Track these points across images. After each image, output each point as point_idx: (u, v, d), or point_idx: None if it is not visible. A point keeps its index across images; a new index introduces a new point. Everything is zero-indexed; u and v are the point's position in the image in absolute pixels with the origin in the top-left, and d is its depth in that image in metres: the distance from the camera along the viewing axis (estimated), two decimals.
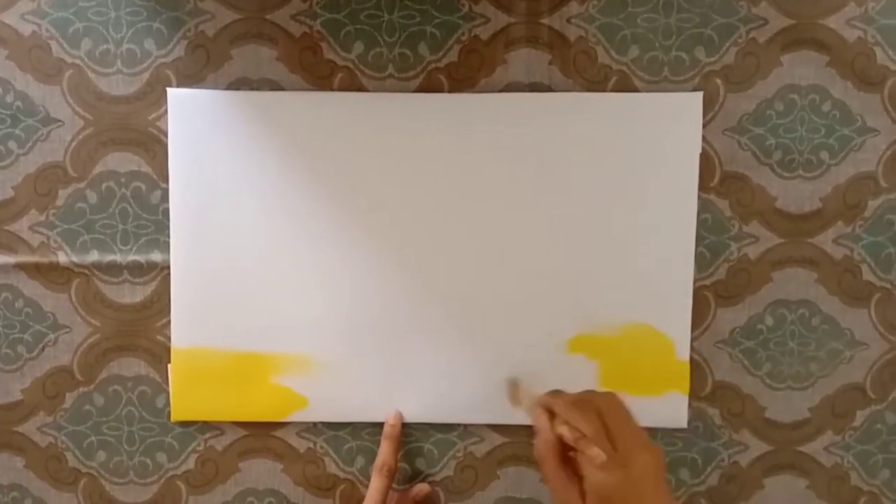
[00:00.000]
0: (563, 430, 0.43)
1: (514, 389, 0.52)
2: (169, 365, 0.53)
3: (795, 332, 0.53)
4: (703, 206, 0.52)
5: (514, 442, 0.54)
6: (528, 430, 0.53)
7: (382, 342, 0.53)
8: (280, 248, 0.52)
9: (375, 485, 0.50)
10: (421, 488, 0.53)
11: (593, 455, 0.41)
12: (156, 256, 0.53)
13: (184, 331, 0.53)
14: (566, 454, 0.43)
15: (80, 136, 0.53)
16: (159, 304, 0.53)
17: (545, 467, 0.43)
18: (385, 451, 0.51)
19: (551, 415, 0.45)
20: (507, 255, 0.52)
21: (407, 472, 0.54)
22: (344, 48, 0.52)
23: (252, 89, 0.52)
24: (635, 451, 0.41)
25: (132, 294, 0.53)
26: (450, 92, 0.52)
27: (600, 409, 0.43)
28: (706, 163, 0.52)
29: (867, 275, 0.53)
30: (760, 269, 0.53)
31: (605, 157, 0.52)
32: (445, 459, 0.54)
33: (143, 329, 0.54)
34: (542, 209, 0.52)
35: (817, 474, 0.54)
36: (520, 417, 0.53)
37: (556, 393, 0.47)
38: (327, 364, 0.53)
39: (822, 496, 0.54)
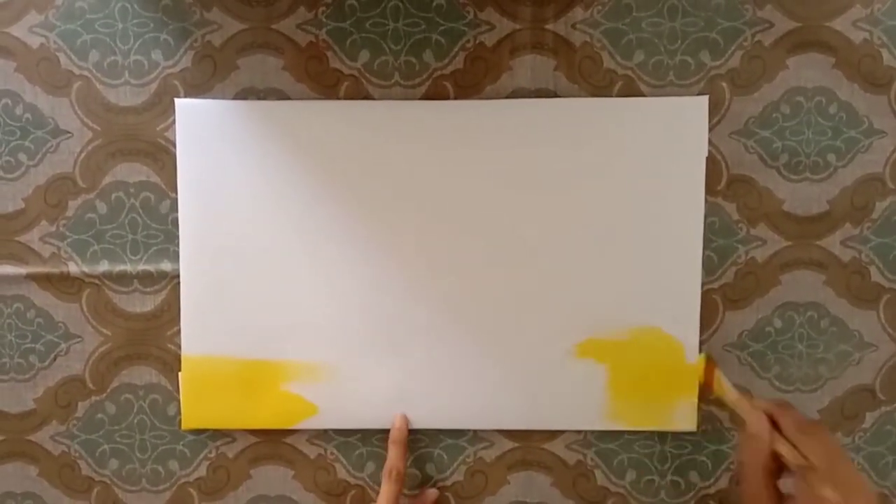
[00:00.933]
0: (787, 453, 0.43)
1: (709, 367, 0.50)
2: (180, 373, 0.54)
3: (804, 335, 0.53)
4: (711, 210, 0.52)
5: (524, 447, 0.54)
6: (537, 435, 0.54)
7: (392, 349, 0.53)
8: (289, 255, 0.53)
9: (386, 490, 0.50)
10: (430, 494, 0.54)
11: (827, 496, 0.41)
12: (165, 266, 0.53)
13: (194, 339, 0.53)
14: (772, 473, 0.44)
15: (90, 148, 0.53)
16: (169, 312, 0.54)
17: (752, 477, 0.44)
18: (393, 455, 0.52)
19: (774, 426, 0.45)
20: (515, 260, 0.52)
21: (417, 477, 0.55)
22: (350, 57, 0.52)
23: (259, 98, 0.52)
24: (856, 498, 0.42)
25: (143, 303, 0.54)
26: (455, 99, 0.52)
27: (826, 444, 0.44)
28: (713, 166, 0.52)
29: (875, 276, 0.53)
30: (768, 271, 0.53)
31: (611, 162, 0.52)
32: (455, 464, 0.54)
33: (153, 338, 0.54)
34: (549, 215, 0.52)
35: None
36: (529, 422, 0.53)
37: (782, 404, 0.47)
38: (337, 371, 0.53)
39: None
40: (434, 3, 0.52)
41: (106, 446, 0.55)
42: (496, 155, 0.52)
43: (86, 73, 0.53)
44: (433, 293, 0.53)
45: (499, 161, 0.52)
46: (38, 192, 0.53)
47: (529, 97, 0.52)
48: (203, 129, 0.52)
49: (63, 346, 0.54)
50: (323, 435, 0.54)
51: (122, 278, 0.54)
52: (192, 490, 0.55)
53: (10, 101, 0.53)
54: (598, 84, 0.52)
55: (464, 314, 0.53)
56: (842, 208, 0.52)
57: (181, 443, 0.55)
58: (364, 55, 0.52)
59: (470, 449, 0.54)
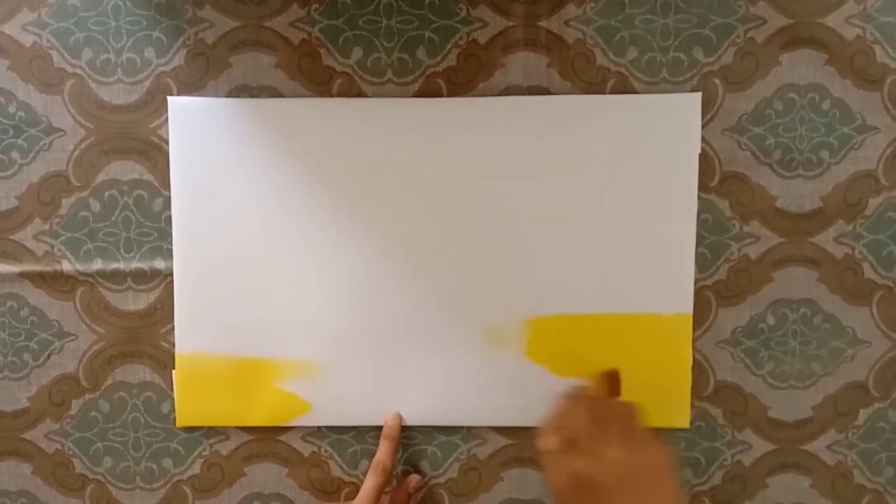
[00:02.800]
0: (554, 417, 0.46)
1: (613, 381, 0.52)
2: (173, 371, 0.54)
3: (797, 331, 0.53)
4: (704, 207, 0.52)
5: (517, 444, 0.54)
6: (531, 432, 0.54)
7: (385, 346, 0.53)
8: (282, 253, 0.53)
9: (369, 482, 0.51)
10: (412, 479, 0.54)
11: (542, 441, 0.45)
12: (159, 264, 0.53)
13: (188, 337, 0.53)
14: None
15: (83, 146, 0.53)
16: (163, 310, 0.54)
17: (540, 442, 0.46)
18: (383, 449, 0.52)
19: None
20: (507, 257, 0.52)
21: (411, 474, 0.55)
22: (343, 54, 0.52)
23: (252, 96, 0.52)
24: (612, 444, 0.43)
25: (136, 301, 0.54)
26: (448, 96, 0.52)
27: (597, 406, 0.46)
28: (706, 163, 0.52)
29: (868, 273, 0.53)
30: (761, 268, 0.53)
31: (604, 159, 0.52)
32: (449, 462, 0.54)
33: (147, 336, 0.54)
34: (542, 212, 0.52)
35: (821, 473, 0.54)
36: (522, 419, 0.53)
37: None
38: (331, 368, 0.53)
39: (825, 495, 0.54)
40: (427, 1, 0.52)
41: (100, 444, 0.55)
42: (489, 152, 0.52)
43: (78, 71, 0.53)
44: (427, 291, 0.53)
45: (492, 158, 0.52)
46: (31, 191, 0.53)
47: (522, 94, 0.52)
48: (196, 126, 0.52)
49: (57, 344, 0.54)
50: (316, 432, 0.54)
51: (115, 276, 0.54)
52: (186, 488, 0.55)
53: (3, 100, 0.53)
54: (591, 81, 0.52)
55: (457, 311, 0.53)
56: (835, 205, 0.52)
57: (175, 441, 0.55)
58: (357, 52, 0.52)
59: (463, 446, 0.54)
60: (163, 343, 0.54)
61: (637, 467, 0.43)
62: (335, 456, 0.55)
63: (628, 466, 0.43)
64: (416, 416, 0.54)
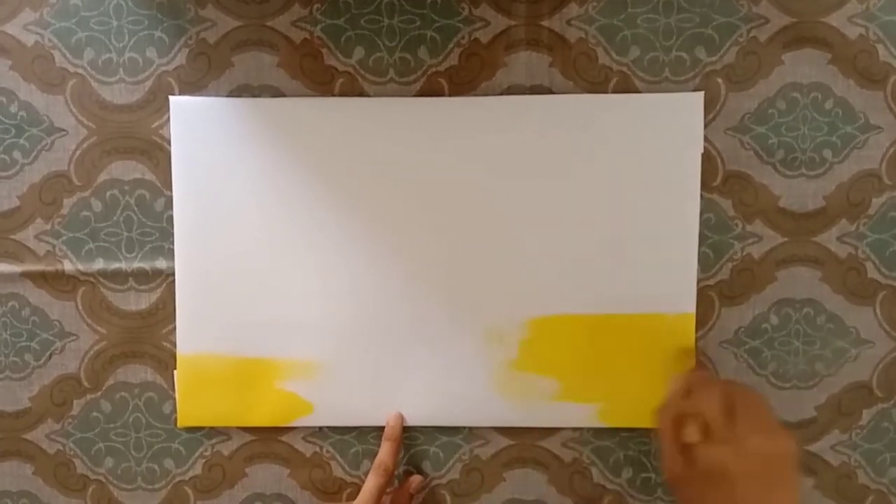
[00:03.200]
0: (680, 404, 0.45)
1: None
2: (175, 371, 0.54)
3: (800, 331, 0.53)
4: (706, 206, 0.52)
5: (519, 444, 0.54)
6: (533, 433, 0.54)
7: (387, 346, 0.53)
8: (284, 253, 0.53)
9: (370, 482, 0.51)
10: (413, 479, 0.53)
11: (687, 432, 0.43)
12: (160, 264, 0.53)
13: (189, 337, 0.53)
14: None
15: (84, 145, 0.53)
16: (164, 310, 0.54)
17: (661, 431, 0.45)
18: (384, 451, 0.52)
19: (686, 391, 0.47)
20: (509, 257, 0.52)
21: (413, 475, 0.54)
22: (344, 53, 0.52)
23: (253, 96, 0.52)
24: (751, 434, 0.42)
25: (137, 301, 0.54)
26: (450, 96, 0.52)
27: (728, 393, 0.45)
28: (708, 163, 0.52)
29: (872, 273, 0.53)
30: (764, 268, 0.53)
31: (606, 159, 0.52)
32: (451, 462, 0.54)
33: (148, 336, 0.54)
34: (544, 212, 0.52)
35: (824, 473, 0.54)
36: (524, 419, 0.53)
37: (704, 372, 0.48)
38: (332, 369, 0.53)
39: (829, 495, 0.54)
40: (429, 0, 0.52)
41: (101, 445, 0.55)
42: (491, 152, 0.52)
43: (80, 70, 0.52)
44: (429, 290, 0.53)
45: (494, 158, 0.52)
46: (33, 190, 0.53)
47: (524, 94, 0.52)
48: (198, 126, 0.52)
49: (58, 344, 0.54)
50: (318, 433, 0.54)
51: (117, 276, 0.54)
52: (187, 488, 0.55)
53: (4, 99, 0.53)
54: (593, 80, 0.52)
55: (459, 311, 0.53)
56: (838, 204, 0.52)
57: (176, 441, 0.55)
58: (359, 52, 0.52)
59: (465, 446, 0.54)
60: (164, 343, 0.54)
61: (771, 458, 0.42)
62: (337, 456, 0.54)
63: (764, 457, 0.42)
64: (417, 416, 0.53)
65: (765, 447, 0.42)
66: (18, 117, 0.53)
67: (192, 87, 0.52)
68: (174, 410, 0.54)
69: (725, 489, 0.41)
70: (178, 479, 0.55)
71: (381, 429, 0.53)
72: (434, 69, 0.52)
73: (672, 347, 0.52)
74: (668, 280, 0.52)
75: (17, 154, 0.53)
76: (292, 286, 0.53)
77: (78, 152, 0.53)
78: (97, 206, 0.53)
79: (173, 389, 0.54)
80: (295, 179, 0.52)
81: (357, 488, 0.54)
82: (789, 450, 0.43)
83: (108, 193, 0.53)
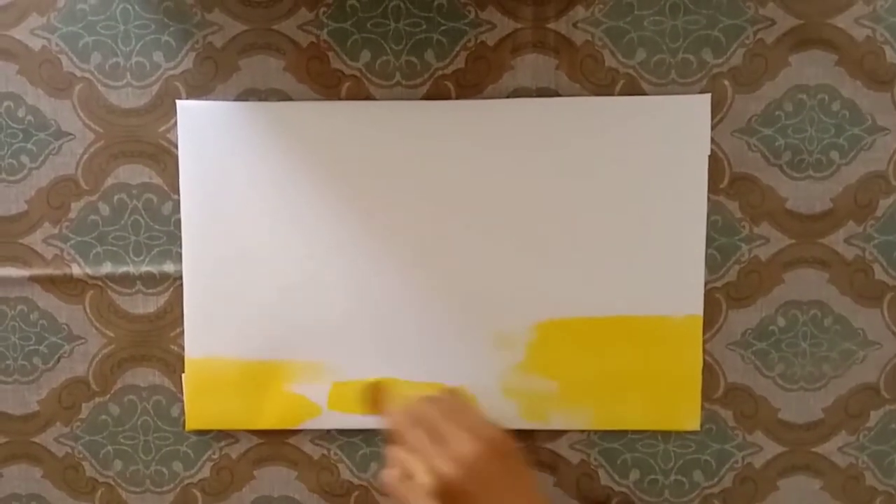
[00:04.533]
0: (391, 453, 0.44)
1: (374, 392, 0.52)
2: (183, 374, 0.54)
3: (808, 333, 0.53)
4: (713, 208, 0.52)
5: (527, 446, 0.54)
6: (540, 435, 0.54)
7: (395, 349, 0.53)
8: (291, 256, 0.53)
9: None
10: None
11: (419, 481, 0.41)
12: (168, 267, 0.54)
13: (197, 340, 0.53)
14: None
15: (92, 149, 0.53)
16: (172, 314, 0.54)
17: (394, 491, 0.43)
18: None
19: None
20: (516, 260, 0.52)
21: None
22: (351, 57, 0.52)
23: (260, 99, 0.52)
24: (464, 442, 0.41)
25: (145, 305, 0.54)
26: (457, 98, 0.52)
27: (424, 415, 0.44)
28: (715, 165, 0.52)
29: (879, 274, 0.53)
30: (772, 270, 0.53)
31: (613, 161, 0.52)
32: None
33: (156, 339, 0.54)
34: (551, 214, 0.52)
35: (832, 475, 0.54)
36: (531, 422, 0.53)
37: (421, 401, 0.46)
38: (340, 371, 0.53)
39: (837, 497, 0.54)
40: (435, 3, 0.52)
41: (110, 448, 0.55)
42: (498, 154, 0.52)
43: (87, 75, 0.53)
44: (437, 293, 0.53)
45: (501, 161, 0.52)
46: (40, 195, 0.54)
47: (531, 96, 0.52)
48: (205, 130, 0.52)
49: (66, 347, 0.54)
50: (326, 435, 0.54)
51: (125, 280, 0.54)
52: (195, 491, 0.55)
53: (12, 104, 0.53)
54: (599, 83, 0.52)
55: (467, 314, 0.53)
56: (845, 206, 0.52)
57: (185, 444, 0.55)
58: (365, 55, 0.52)
59: None
60: (172, 346, 0.54)
61: (494, 458, 0.41)
62: (345, 459, 0.55)
63: (486, 460, 0.41)
64: None
65: (487, 451, 0.41)
66: (26, 122, 0.53)
67: (199, 91, 0.53)
68: (182, 413, 0.54)
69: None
70: (186, 481, 0.55)
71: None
72: (441, 72, 0.52)
73: (679, 349, 0.52)
74: (675, 282, 0.52)
75: (24, 158, 0.53)
76: (299, 289, 0.53)
77: (85, 156, 0.53)
78: (105, 210, 0.54)
79: (181, 392, 0.54)
80: (302, 183, 0.52)
81: (365, 491, 0.54)
82: (507, 444, 0.42)
83: (115, 197, 0.53)
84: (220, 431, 0.55)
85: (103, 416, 0.55)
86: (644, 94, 0.52)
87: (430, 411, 0.44)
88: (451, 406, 0.45)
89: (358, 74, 0.52)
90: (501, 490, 0.41)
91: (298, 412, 0.54)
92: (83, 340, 0.54)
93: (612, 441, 0.54)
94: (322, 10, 0.52)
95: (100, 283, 0.54)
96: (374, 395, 0.52)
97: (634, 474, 0.54)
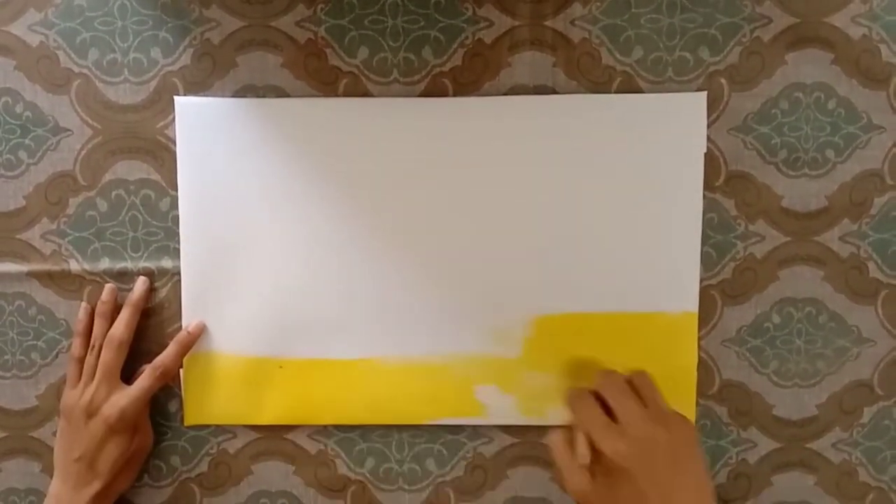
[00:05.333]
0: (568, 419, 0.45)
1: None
2: (181, 370, 0.54)
3: (802, 330, 0.53)
4: (709, 206, 0.52)
5: (523, 442, 0.54)
6: (537, 431, 0.54)
7: (391, 344, 0.53)
8: (289, 252, 0.53)
9: (144, 382, 0.51)
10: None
11: (578, 454, 0.43)
12: (166, 263, 0.54)
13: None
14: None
15: (90, 145, 0.53)
16: (170, 309, 0.54)
17: (555, 453, 0.45)
18: (168, 352, 0.52)
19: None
20: (513, 256, 0.53)
21: (417, 473, 0.55)
22: (349, 54, 0.52)
23: (258, 96, 0.52)
24: (640, 425, 0.43)
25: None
26: (454, 96, 0.52)
27: (600, 390, 0.45)
28: (711, 162, 0.52)
29: (874, 272, 0.53)
30: (767, 267, 0.53)
31: (610, 159, 0.52)
32: (455, 460, 0.55)
33: (154, 335, 0.54)
34: (548, 212, 0.52)
35: (825, 471, 0.54)
36: (528, 417, 0.53)
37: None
38: (337, 367, 0.53)
39: (830, 493, 0.54)
40: (433, 0, 0.52)
41: None
42: (495, 152, 0.52)
43: (85, 70, 0.53)
44: (433, 288, 0.53)
45: (498, 158, 0.52)
46: (38, 190, 0.54)
47: (528, 94, 0.52)
48: (203, 126, 0.52)
49: (65, 343, 0.55)
50: (323, 431, 0.55)
51: (122, 276, 0.54)
52: (193, 485, 0.56)
53: (10, 100, 0.53)
54: (596, 80, 0.52)
55: (464, 309, 0.53)
56: (840, 204, 0.52)
57: (183, 439, 0.55)
58: (363, 52, 0.52)
59: (469, 444, 0.55)
60: (170, 342, 0.54)
61: (665, 443, 0.42)
62: (342, 454, 0.55)
63: (657, 444, 0.42)
64: (422, 413, 0.54)
65: (659, 435, 0.42)
66: (24, 117, 0.53)
67: (196, 87, 0.53)
68: (180, 408, 0.54)
69: (629, 486, 0.42)
70: (184, 476, 0.55)
71: (386, 427, 0.54)
72: (438, 69, 0.52)
73: (674, 346, 0.53)
74: (671, 279, 0.52)
75: (22, 154, 0.53)
76: (297, 285, 0.53)
77: (83, 152, 0.53)
78: (103, 205, 0.54)
79: (179, 388, 0.54)
80: (299, 179, 0.53)
81: (362, 486, 0.55)
82: (684, 432, 0.43)
83: (113, 193, 0.54)
84: (217, 426, 0.55)
85: None
86: (641, 91, 0.52)
87: (614, 385, 0.45)
88: (635, 384, 0.46)
89: (355, 71, 0.52)
90: (666, 477, 0.42)
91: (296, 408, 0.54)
92: None
93: None
94: (320, 6, 0.52)
95: (98, 278, 0.54)
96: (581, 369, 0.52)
97: None
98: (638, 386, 0.46)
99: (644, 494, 0.41)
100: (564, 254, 0.52)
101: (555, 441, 0.45)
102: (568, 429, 0.46)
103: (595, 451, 0.43)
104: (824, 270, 0.53)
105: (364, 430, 0.55)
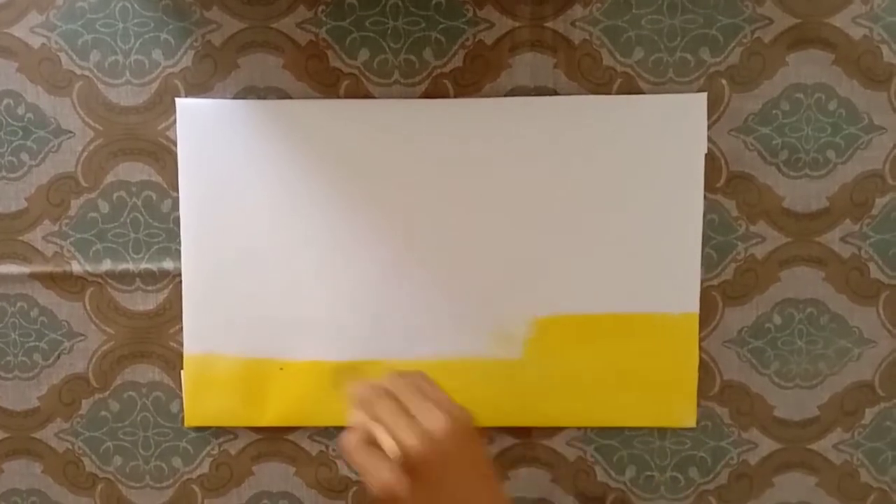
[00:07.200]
0: (357, 419, 0.42)
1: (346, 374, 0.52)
2: (182, 371, 0.54)
3: (803, 331, 0.53)
4: (710, 207, 0.52)
5: (524, 443, 0.54)
6: (537, 431, 0.54)
7: (393, 345, 0.53)
8: (290, 253, 0.53)
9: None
10: None
11: (387, 447, 0.40)
12: (167, 264, 0.54)
13: (196, 337, 0.54)
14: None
15: (91, 147, 0.53)
16: (171, 311, 0.54)
17: (354, 456, 0.42)
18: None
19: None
20: (514, 257, 0.53)
21: None
22: (350, 55, 0.52)
23: (259, 97, 0.53)
24: (433, 418, 0.41)
25: (145, 302, 0.54)
26: (455, 97, 0.52)
27: (392, 389, 0.43)
28: (712, 163, 0.52)
29: (875, 273, 0.53)
30: (768, 268, 0.53)
31: (610, 160, 0.52)
32: None
33: (156, 336, 0.54)
34: (548, 213, 0.52)
35: (827, 472, 0.54)
36: (529, 418, 0.53)
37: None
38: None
39: (831, 494, 0.54)
40: (433, 2, 0.52)
41: (109, 443, 0.55)
42: (496, 153, 0.52)
43: (87, 72, 0.53)
44: (434, 289, 0.53)
45: (498, 159, 0.52)
46: (40, 192, 0.54)
47: (529, 95, 0.52)
48: (204, 128, 0.53)
49: (66, 344, 0.55)
50: (324, 432, 0.55)
51: (124, 277, 0.54)
52: (195, 487, 0.56)
53: (12, 102, 0.53)
54: (597, 81, 0.52)
55: (465, 310, 0.53)
56: (841, 205, 0.52)
57: (184, 440, 0.55)
58: (364, 54, 0.52)
59: None
60: (171, 343, 0.54)
61: (460, 437, 0.41)
62: (342, 455, 0.55)
63: (452, 439, 0.41)
64: None
65: (453, 427, 0.41)
66: (26, 119, 0.53)
67: (198, 88, 0.53)
68: (181, 410, 0.55)
69: (432, 480, 0.40)
70: (185, 477, 0.56)
71: None
72: (439, 71, 0.52)
73: (675, 347, 0.53)
74: (672, 280, 0.52)
75: (24, 156, 0.54)
76: (298, 286, 0.53)
77: (85, 154, 0.53)
78: (104, 207, 0.54)
79: (180, 389, 0.54)
80: (300, 180, 0.53)
81: (363, 486, 0.55)
82: (465, 421, 0.42)
83: (115, 195, 0.54)
84: (219, 428, 0.55)
85: (103, 413, 0.55)
86: (641, 92, 0.52)
87: (400, 385, 0.44)
88: (419, 383, 0.44)
89: (356, 73, 0.52)
90: (463, 470, 0.41)
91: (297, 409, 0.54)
92: (83, 337, 0.55)
93: (608, 438, 0.54)
94: (321, 8, 0.52)
95: (99, 280, 0.54)
96: (345, 377, 0.52)
97: (631, 471, 0.55)
98: (422, 383, 0.44)
99: (445, 489, 0.40)
100: (565, 255, 0.52)
101: (350, 442, 0.42)
102: (356, 430, 0.43)
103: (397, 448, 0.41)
104: (825, 271, 0.53)
105: None
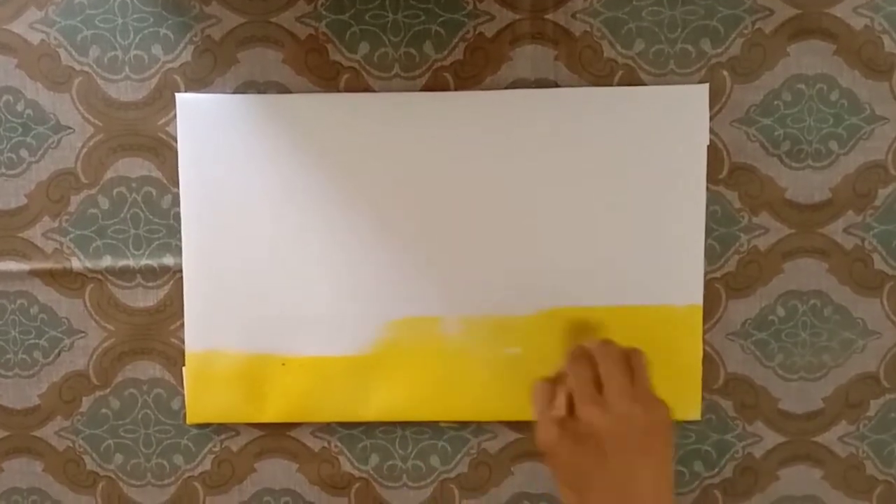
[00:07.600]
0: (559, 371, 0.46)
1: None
2: (183, 368, 0.54)
3: (807, 323, 0.53)
4: (712, 199, 0.52)
5: (528, 438, 0.54)
6: (534, 425, 0.54)
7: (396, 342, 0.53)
8: (291, 248, 0.53)
9: None
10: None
11: (555, 405, 0.44)
12: (168, 260, 0.54)
13: (197, 334, 0.53)
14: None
15: (91, 143, 0.53)
16: (172, 307, 0.54)
17: (534, 402, 0.46)
18: None
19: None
20: (516, 250, 0.52)
21: (421, 469, 0.55)
22: (349, 49, 0.52)
23: (259, 92, 0.52)
24: (623, 402, 0.43)
25: (145, 298, 0.54)
26: (456, 90, 0.52)
27: (596, 357, 0.45)
28: (714, 155, 0.52)
29: (879, 264, 0.53)
30: (771, 260, 0.53)
31: (612, 152, 0.52)
32: (459, 456, 0.54)
33: (157, 332, 0.54)
34: (550, 205, 0.52)
35: (832, 465, 0.54)
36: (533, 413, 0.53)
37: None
38: (340, 364, 0.53)
39: (837, 486, 0.54)
40: None
41: (110, 441, 0.55)
42: (497, 146, 0.52)
43: (86, 68, 0.53)
44: (437, 284, 0.53)
45: (500, 152, 0.52)
46: (40, 188, 0.54)
47: (530, 87, 0.52)
48: (204, 123, 0.52)
49: (67, 341, 0.54)
50: (326, 428, 0.54)
51: (124, 273, 0.54)
52: (197, 484, 0.55)
53: (11, 98, 0.53)
54: (598, 73, 0.52)
55: (468, 304, 0.53)
56: (844, 196, 0.52)
57: (186, 437, 0.55)
58: (364, 47, 0.52)
59: (473, 440, 0.54)
60: (172, 340, 0.54)
61: (642, 426, 0.42)
62: (345, 451, 0.55)
63: (634, 424, 0.42)
64: (425, 410, 0.53)
65: (636, 415, 0.42)
66: (25, 115, 0.53)
67: (197, 83, 0.53)
68: (183, 407, 0.54)
69: (595, 455, 0.42)
70: (187, 474, 0.55)
71: (389, 423, 0.53)
72: (439, 64, 0.52)
73: (679, 339, 0.52)
74: (675, 272, 0.52)
75: (23, 152, 0.53)
76: (300, 281, 0.53)
77: (85, 150, 0.53)
78: (104, 203, 0.54)
79: (182, 386, 0.54)
80: (301, 175, 0.52)
81: (366, 483, 0.54)
82: (661, 417, 0.43)
83: (115, 191, 0.53)
84: (220, 425, 0.55)
85: (104, 410, 0.55)
86: (643, 84, 0.52)
87: (614, 356, 0.45)
88: (630, 361, 0.45)
89: (356, 66, 0.52)
90: (632, 456, 0.42)
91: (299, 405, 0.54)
92: (83, 334, 0.54)
93: None
94: (320, 1, 0.52)
95: (99, 276, 0.54)
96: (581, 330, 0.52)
97: None
98: (632, 363, 0.46)
99: (607, 466, 0.42)
100: (567, 247, 0.52)
101: (538, 389, 0.46)
102: (554, 380, 0.46)
103: (572, 411, 0.43)
104: (829, 263, 0.53)
105: (367, 427, 0.54)
